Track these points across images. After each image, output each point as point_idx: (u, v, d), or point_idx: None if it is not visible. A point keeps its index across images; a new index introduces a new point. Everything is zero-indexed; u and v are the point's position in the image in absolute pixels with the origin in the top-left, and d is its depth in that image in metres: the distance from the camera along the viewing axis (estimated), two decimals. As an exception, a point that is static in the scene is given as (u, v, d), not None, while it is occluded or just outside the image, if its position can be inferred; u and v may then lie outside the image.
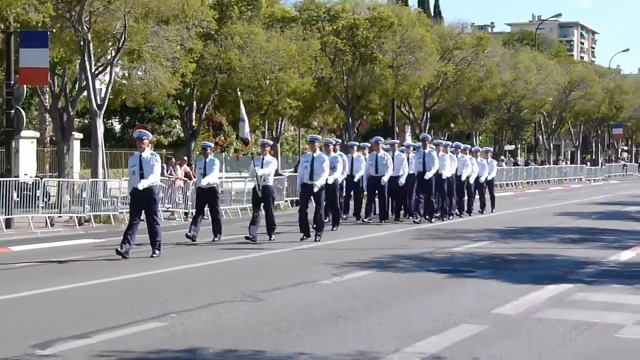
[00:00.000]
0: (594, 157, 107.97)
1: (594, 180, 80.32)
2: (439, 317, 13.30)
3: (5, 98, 31.65)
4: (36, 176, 36.48)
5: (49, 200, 31.79)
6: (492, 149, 40.93)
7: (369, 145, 32.59)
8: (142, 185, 20.17)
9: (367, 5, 59.46)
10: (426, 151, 30.07)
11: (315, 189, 24.02)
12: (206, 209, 25.54)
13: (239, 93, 33.27)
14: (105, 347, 11.18)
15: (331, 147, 27.82)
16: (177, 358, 10.71)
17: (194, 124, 52.25)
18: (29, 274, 18.36)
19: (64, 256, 21.20)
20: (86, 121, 50.96)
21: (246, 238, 23.69)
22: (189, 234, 23.99)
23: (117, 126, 65.91)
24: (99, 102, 37.50)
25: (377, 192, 30.83)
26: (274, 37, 50.17)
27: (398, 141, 35.64)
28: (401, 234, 26.64)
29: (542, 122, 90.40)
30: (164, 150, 60.24)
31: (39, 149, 48.53)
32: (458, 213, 33.02)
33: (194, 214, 26.40)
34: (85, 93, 39.09)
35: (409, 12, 64.40)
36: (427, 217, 30.34)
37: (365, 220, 30.84)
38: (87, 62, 36.36)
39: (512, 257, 21.20)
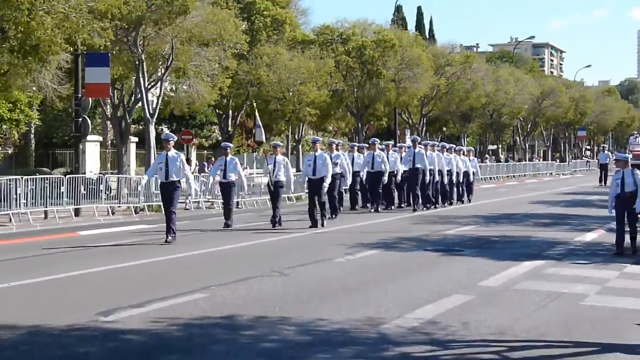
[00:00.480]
0: (562, 155, 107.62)
1: (563, 174, 79.99)
2: (434, 288, 13.29)
3: (74, 108, 31.71)
4: (99, 173, 36.61)
5: (110, 192, 31.83)
6: (473, 148, 40.30)
7: (367, 145, 31.98)
8: (194, 192, 22.82)
9: (373, 29, 59.47)
10: (416, 150, 29.53)
11: (325, 186, 23.46)
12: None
13: (254, 105, 33.11)
14: (157, 314, 11.20)
15: (334, 146, 27.78)
16: (217, 323, 10.72)
17: (229, 129, 52.38)
18: (94, 254, 18.37)
19: (122, 239, 21.22)
20: (140, 127, 50.98)
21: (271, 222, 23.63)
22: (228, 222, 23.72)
23: (166, 131, 65.93)
24: (151, 112, 37.56)
25: (373, 185, 29.90)
26: (296, 56, 50.30)
27: (392, 142, 35.23)
28: (402, 220, 26.56)
29: (519, 126, 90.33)
30: (205, 151, 60.29)
31: (101, 150, 48.69)
32: (441, 204, 31.99)
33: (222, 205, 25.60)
34: (139, 104, 39.13)
35: (408, 35, 64.34)
36: (414, 206, 29.65)
37: (365, 208, 30.30)
38: (141, 78, 36.46)
39: (494, 238, 21.15)
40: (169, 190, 20.12)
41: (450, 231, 23.05)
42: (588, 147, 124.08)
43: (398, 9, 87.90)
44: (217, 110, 53.45)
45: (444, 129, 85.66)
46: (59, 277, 14.77)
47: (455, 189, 33.58)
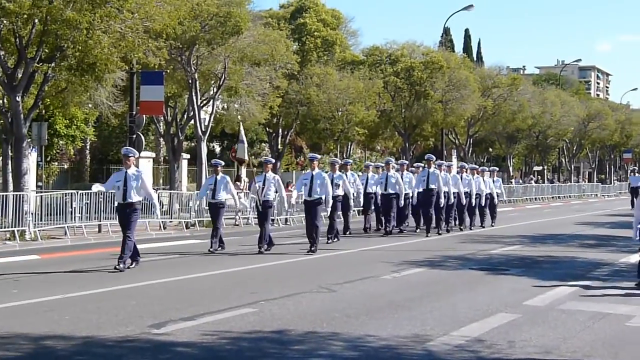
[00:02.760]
0: (607, 177, 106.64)
1: (608, 195, 79.24)
2: (479, 307, 13.19)
3: (129, 125, 31.97)
4: (152, 188, 36.80)
5: (162, 208, 32.03)
6: (497, 168, 38.51)
7: (383, 165, 30.12)
8: (158, 212, 20.64)
9: (421, 51, 59.49)
10: (430, 170, 27.39)
11: (327, 209, 22.77)
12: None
13: (239, 118, 31.83)
14: (208, 327, 11.22)
15: (336, 166, 26.16)
16: (267, 337, 10.72)
17: (279, 147, 52.65)
18: (146, 267, 18.47)
19: (173, 253, 21.34)
20: (193, 144, 51.29)
21: (259, 252, 21.17)
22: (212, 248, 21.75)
23: (218, 148, 66.32)
24: (203, 129, 37.82)
25: (387, 207, 27.85)
26: (345, 77, 50.46)
27: (407, 162, 32.84)
28: (446, 239, 26.42)
29: (564, 147, 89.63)
30: (255, 168, 60.52)
31: (154, 166, 49.07)
32: (460, 227, 29.98)
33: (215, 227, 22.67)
34: (192, 121, 39.40)
35: (455, 57, 64.27)
36: (426, 230, 27.49)
37: (378, 230, 28.35)
38: (194, 97, 36.74)
39: (540, 258, 20.95)
40: (125, 213, 17.79)
41: (495, 250, 22.89)
42: (636, 169, 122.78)
43: (446, 31, 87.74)
44: (267, 129, 53.80)
45: (490, 149, 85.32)
46: (112, 290, 14.88)
47: (477, 212, 31.27)
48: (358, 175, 30.71)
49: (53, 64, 26.46)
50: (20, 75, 26.54)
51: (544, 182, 78.46)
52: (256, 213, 22.53)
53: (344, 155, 58.82)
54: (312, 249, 21.39)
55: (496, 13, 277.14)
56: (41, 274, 17.17)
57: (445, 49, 67.81)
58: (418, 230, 28.59)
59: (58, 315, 12.19)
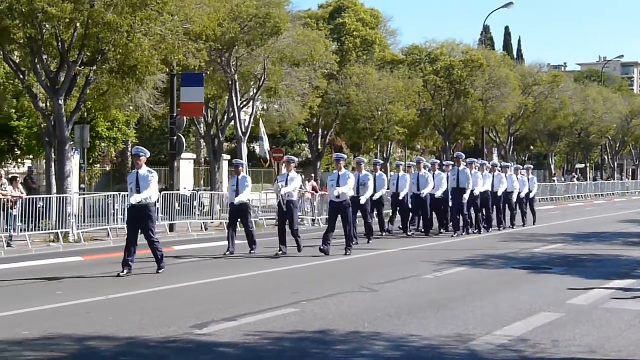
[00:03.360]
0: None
1: (652, 193, 78.51)
2: (522, 306, 13.11)
3: (169, 127, 32.18)
4: (193, 189, 37.01)
5: (203, 209, 32.22)
6: (532, 166, 37.27)
7: (414, 164, 29.03)
8: (134, 199, 17.12)
9: (461, 49, 59.31)
10: (460, 169, 26.59)
11: (362, 201, 22.32)
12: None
13: (260, 122, 30.68)
14: (250, 328, 11.25)
15: (362, 165, 24.67)
16: (309, 337, 10.73)
17: (319, 147, 52.75)
18: (188, 269, 18.59)
19: (215, 254, 21.41)
20: (233, 145, 51.47)
21: (275, 255, 20.74)
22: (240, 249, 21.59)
23: (258, 149, 66.48)
24: (243, 130, 37.94)
25: (419, 207, 27.31)
26: (385, 76, 50.46)
27: (438, 161, 32.08)
28: (487, 238, 26.30)
29: (607, 144, 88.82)
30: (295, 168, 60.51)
31: (195, 167, 49.29)
32: (490, 227, 28.60)
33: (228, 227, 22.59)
34: (232, 122, 39.55)
35: (495, 55, 64.11)
36: (456, 230, 26.71)
37: (408, 234, 26.96)
38: (234, 98, 36.89)
39: (583, 257, 20.79)
40: (136, 215, 17.29)
41: (537, 249, 22.77)
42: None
43: (486, 29, 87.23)
44: (307, 129, 53.91)
45: (532, 147, 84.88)
46: (154, 290, 14.99)
47: (510, 211, 30.32)
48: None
49: (94, 67, 26.68)
50: (62, 79, 26.79)
51: (585, 180, 77.84)
52: (277, 213, 21.96)
53: (384, 155, 58.81)
54: (347, 252, 20.87)
55: (536, 10, 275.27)
56: (84, 275, 17.31)
57: (485, 47, 67.48)
58: (443, 231, 27.63)
59: (101, 316, 12.28)
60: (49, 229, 24.94)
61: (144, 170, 17.30)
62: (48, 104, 28.62)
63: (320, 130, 52.90)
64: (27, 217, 24.14)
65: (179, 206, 29.36)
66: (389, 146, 60.61)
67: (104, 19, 24.82)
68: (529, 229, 29.68)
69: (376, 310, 12.64)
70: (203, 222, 30.25)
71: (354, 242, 22.39)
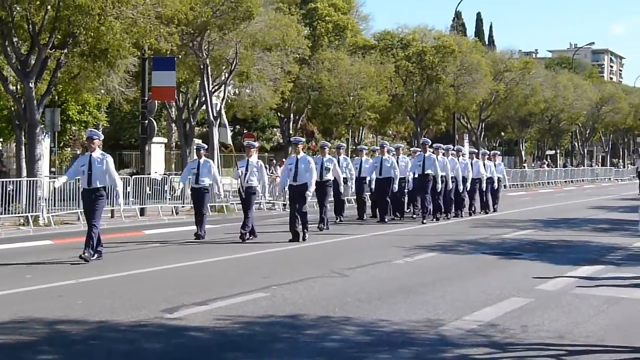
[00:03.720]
0: (620, 161, 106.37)
1: (621, 180, 79.00)
2: (492, 291, 13.19)
3: (141, 111, 32.07)
4: (164, 174, 36.90)
5: (174, 193, 32.12)
6: (498, 152, 36.96)
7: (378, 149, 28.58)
8: (120, 205, 18.07)
9: (433, 35, 59.48)
10: (426, 155, 25.81)
11: (309, 194, 20.47)
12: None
13: (222, 110, 30.02)
14: (221, 312, 11.26)
15: (326, 149, 24.56)
16: (280, 322, 10.75)
17: (291, 132, 52.69)
18: (158, 253, 18.55)
19: (185, 238, 21.36)
20: (204, 130, 51.40)
21: (241, 239, 20.31)
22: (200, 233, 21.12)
23: (230, 133, 66.38)
24: (214, 114, 37.81)
25: (381, 193, 26.73)
26: (357, 61, 50.50)
27: (402, 145, 32.06)
28: (458, 223, 26.40)
29: (577, 131, 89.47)
30: (266, 153, 60.57)
31: (166, 152, 49.12)
32: (457, 214, 28.42)
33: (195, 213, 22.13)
34: (203, 107, 39.45)
35: (467, 41, 64.30)
36: (424, 217, 26.09)
37: (375, 217, 27.14)
38: (205, 82, 36.77)
39: (553, 243, 20.91)
40: (90, 199, 16.58)
41: (508, 235, 22.88)
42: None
43: (458, 15, 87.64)
44: (279, 114, 53.90)
45: (502, 133, 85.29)
46: (124, 275, 14.94)
47: (477, 197, 29.94)
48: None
49: (65, 50, 26.51)
50: (33, 62, 26.62)
51: (556, 167, 78.27)
52: (239, 199, 21.74)
53: (355, 140, 58.86)
54: (304, 237, 20.39)
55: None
56: (54, 259, 17.24)
57: (457, 33, 67.80)
58: (415, 216, 27.50)
59: (71, 300, 12.24)
60: (19, 213, 24.80)
61: (97, 153, 16.66)
62: (18, 86, 28.40)
63: (292, 115, 52.90)
64: (-4, 200, 24.01)
65: (150, 190, 29.27)
66: (361, 132, 60.76)
67: (76, 2, 24.64)
68: (499, 215, 29.82)
69: (347, 295, 12.67)
70: (174, 207, 30.19)
71: (325, 227, 22.99)
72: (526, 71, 68.35)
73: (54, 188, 22.80)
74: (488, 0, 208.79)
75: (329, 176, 23.85)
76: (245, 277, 14.65)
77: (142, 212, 28.75)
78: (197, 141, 43.53)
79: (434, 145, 27.39)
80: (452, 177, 27.16)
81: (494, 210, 30.90)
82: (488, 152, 33.19)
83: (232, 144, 31.57)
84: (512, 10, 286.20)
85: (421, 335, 10.14)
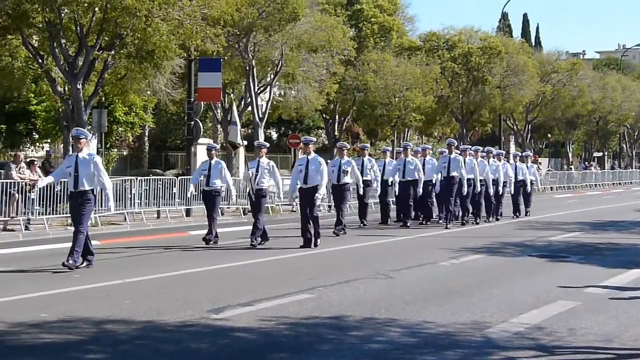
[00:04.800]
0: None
1: (671, 182, 78.07)
2: (539, 294, 13.08)
3: (187, 112, 32.20)
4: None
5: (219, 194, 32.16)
6: (530, 153, 34.65)
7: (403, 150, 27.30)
8: (111, 208, 16.59)
9: (479, 36, 59.18)
10: (452, 156, 24.47)
11: (319, 197, 19.24)
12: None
13: (233, 106, 28.64)
14: (266, 313, 11.27)
15: (345, 151, 23.45)
16: (325, 323, 10.74)
17: (336, 133, 52.69)
18: (204, 253, 18.59)
19: (228, 240, 21.40)
20: (250, 131, 51.51)
21: (251, 245, 19.20)
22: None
23: (275, 135, 66.49)
24: (260, 116, 37.97)
25: (403, 196, 25.60)
26: (402, 63, 50.42)
27: (430, 146, 30.74)
28: (504, 225, 26.21)
29: (625, 133, 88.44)
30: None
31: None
32: (486, 219, 26.92)
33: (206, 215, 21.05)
34: (249, 108, 39.58)
35: (514, 42, 63.87)
36: (447, 222, 24.74)
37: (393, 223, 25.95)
38: (251, 83, 36.93)
39: (601, 246, 20.70)
40: (77, 203, 15.53)
41: (555, 237, 22.70)
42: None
43: (504, 16, 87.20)
44: (324, 115, 53.87)
45: (549, 135, 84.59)
46: (171, 275, 15.03)
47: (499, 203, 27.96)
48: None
49: (113, 52, 26.78)
50: (80, 63, 26.91)
51: (603, 169, 77.50)
52: (249, 203, 20.74)
53: (401, 142, 58.72)
54: (313, 240, 19.19)
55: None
56: (102, 259, 17.37)
57: (503, 34, 67.35)
58: (441, 221, 25.65)
59: (118, 299, 12.33)
60: (66, 213, 25.02)
61: (84, 153, 15.54)
62: (66, 88, 28.70)
63: (337, 117, 52.88)
64: (45, 200, 24.26)
65: (195, 191, 29.36)
66: (406, 133, 60.52)
67: (123, 3, 24.86)
68: (546, 218, 29.60)
69: (392, 297, 12.64)
70: (220, 208, 30.24)
71: (342, 232, 22.22)
72: (573, 72, 67.79)
73: (38, 188, 21.97)
74: (535, 1, 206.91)
75: (347, 179, 22.69)
76: (290, 279, 14.67)
77: (187, 212, 28.86)
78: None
79: (460, 147, 26.93)
80: (481, 180, 25.80)
81: (526, 214, 29.60)
82: (519, 154, 31.94)
83: (241, 143, 30.41)
84: (559, 11, 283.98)
85: (467, 338, 10.08)
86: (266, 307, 11.70)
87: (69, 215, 24.70)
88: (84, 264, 15.52)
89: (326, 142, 58.06)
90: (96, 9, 25.50)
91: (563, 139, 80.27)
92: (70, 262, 15.06)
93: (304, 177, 19.18)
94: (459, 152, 25.22)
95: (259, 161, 19.68)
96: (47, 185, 24.21)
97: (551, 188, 55.89)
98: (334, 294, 12.86)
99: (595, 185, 63.54)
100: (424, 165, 26.01)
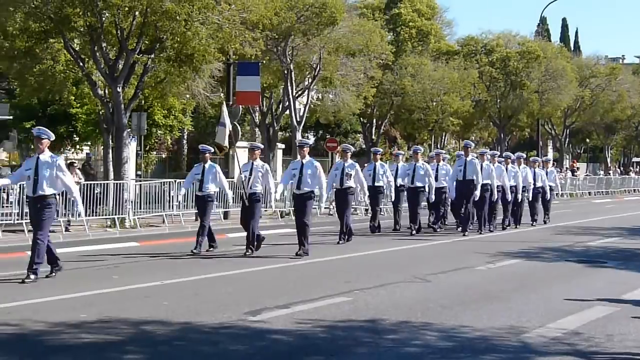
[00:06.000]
0: None
1: None
2: (576, 299, 12.98)
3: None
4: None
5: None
6: (551, 158, 31.90)
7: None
8: (80, 213, 16.05)
9: (517, 41, 58.96)
10: (468, 159, 23.37)
11: (323, 206, 18.59)
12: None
13: (223, 106, 28.48)
14: (302, 315, 11.28)
15: (349, 154, 22.31)
16: (361, 327, 10.73)
17: (373, 137, 52.69)
18: (241, 257, 18.59)
19: (270, 242, 21.39)
20: (287, 134, 51.64)
21: (244, 255, 18.15)
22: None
23: (312, 138, 66.59)
24: (298, 119, 38.07)
25: (411, 203, 24.35)
26: (440, 67, 50.37)
27: (443, 151, 29.51)
28: (541, 230, 26.03)
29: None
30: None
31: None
32: (503, 225, 25.75)
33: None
34: (287, 112, 39.66)
35: (552, 47, 63.60)
36: (464, 229, 23.58)
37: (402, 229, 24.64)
38: (289, 87, 37.03)
39: (639, 251, 20.51)
40: (36, 208, 14.23)
41: (593, 242, 22.54)
42: None
43: (543, 20, 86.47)
44: (362, 119, 53.93)
45: (587, 140, 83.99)
46: (208, 277, 15.08)
47: (522, 208, 26.90)
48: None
49: (152, 55, 27.01)
50: (121, 67, 27.11)
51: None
52: (240, 207, 19.16)
53: (438, 146, 58.59)
54: (302, 251, 17.97)
55: (595, 1, 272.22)
56: (140, 260, 17.48)
57: (542, 39, 66.94)
58: (459, 229, 24.35)
59: (156, 301, 12.40)
60: (106, 215, 25.22)
61: (46, 156, 14.20)
62: (107, 91, 28.91)
63: (374, 121, 52.93)
64: (84, 202, 24.41)
65: (233, 194, 29.46)
66: (444, 137, 60.42)
67: (163, 8, 25.06)
68: (584, 223, 29.38)
69: (429, 301, 12.61)
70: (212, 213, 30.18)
71: (347, 240, 20.98)
72: (612, 77, 67.32)
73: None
74: (574, 5, 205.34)
75: (350, 183, 21.48)
76: (326, 282, 14.64)
77: (225, 215, 28.94)
78: (280, 145, 43.75)
79: (479, 150, 26.00)
80: (498, 186, 24.48)
81: (544, 222, 28.04)
82: (538, 159, 29.74)
83: (227, 146, 29.40)
84: (599, 16, 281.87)
85: (504, 342, 10.03)
86: (303, 310, 11.70)
87: (109, 217, 25.02)
88: (53, 273, 14.36)
89: (363, 146, 58.02)
90: (136, 13, 25.69)
91: (602, 143, 79.74)
92: (32, 277, 13.81)
93: (297, 183, 18.08)
94: (475, 155, 24.20)
95: (252, 163, 18.43)
96: (87, 188, 24.48)
97: (589, 193, 55.47)
98: (370, 297, 12.85)
99: (634, 190, 62.95)
100: (437, 171, 24.89)
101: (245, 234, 18.56)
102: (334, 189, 21.75)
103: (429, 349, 9.67)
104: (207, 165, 19.01)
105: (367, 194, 22.80)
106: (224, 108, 28.09)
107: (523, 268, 17.04)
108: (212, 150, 20.82)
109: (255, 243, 18.28)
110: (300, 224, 18.13)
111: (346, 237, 21.04)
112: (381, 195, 24.73)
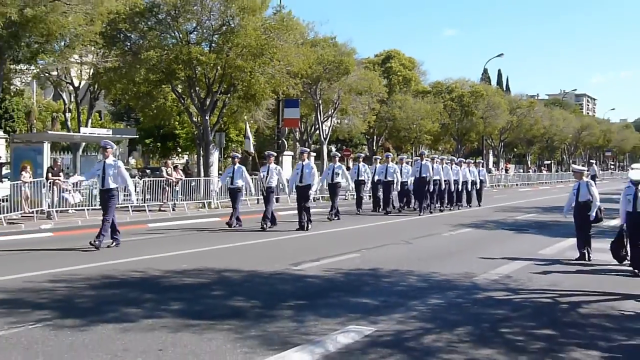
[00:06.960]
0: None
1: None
2: (509, 254, 12.86)
3: (276, 134, 32.27)
4: (287, 179, 36.88)
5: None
6: (482, 161, 31.13)
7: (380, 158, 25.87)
8: (132, 201, 15.69)
9: (469, 84, 58.50)
10: (423, 162, 22.50)
11: (312, 193, 17.63)
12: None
13: (246, 120, 26.63)
14: (328, 266, 11.22)
15: (337, 158, 21.64)
16: (367, 273, 10.66)
17: (374, 148, 52.36)
18: (283, 226, 18.38)
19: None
20: (317, 146, 51.54)
21: (261, 229, 17.13)
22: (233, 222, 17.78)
23: (334, 149, 66.30)
24: (324, 137, 37.87)
25: (385, 192, 23.46)
26: (418, 102, 50.12)
27: (406, 156, 28.63)
28: (485, 209, 25.71)
29: (565, 148, 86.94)
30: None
31: (292, 161, 49.24)
32: (449, 207, 24.60)
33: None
34: (317, 131, 39.52)
35: (491, 89, 63.08)
36: (420, 210, 22.58)
37: (381, 210, 23.41)
38: (318, 115, 36.84)
39: (549, 222, 20.20)
40: (104, 198, 13.55)
41: (519, 217, 22.30)
42: (612, 163, 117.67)
43: (485, 71, 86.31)
44: (366, 136, 53.62)
45: (515, 149, 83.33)
46: (263, 241, 15.03)
47: (465, 194, 25.98)
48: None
49: (228, 95, 26.98)
50: (208, 103, 27.15)
51: (550, 172, 76.01)
52: (262, 196, 18.79)
53: (417, 153, 58.20)
54: (305, 225, 17.06)
55: (520, 59, 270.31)
56: (220, 229, 17.46)
57: (485, 83, 66.37)
58: (415, 210, 23.39)
59: (230, 256, 12.38)
60: (199, 199, 25.23)
61: (110, 160, 13.54)
62: (199, 119, 28.95)
63: (375, 137, 52.67)
64: (185, 191, 24.50)
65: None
66: (420, 148, 59.99)
67: (235, 64, 25.08)
68: (514, 204, 29.08)
69: (411, 256, 12.51)
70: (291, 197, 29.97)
71: (335, 218, 19.95)
72: (531, 108, 66.81)
73: (72, 183, 19.15)
74: (507, 60, 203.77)
75: (339, 179, 20.90)
76: (343, 244, 14.56)
77: (275, 200, 28.67)
78: (312, 154, 43.59)
79: (430, 156, 25.39)
80: (445, 180, 23.82)
81: (478, 205, 26.50)
82: (472, 160, 28.46)
83: (254, 152, 27.95)
84: (522, 68, 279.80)
85: (461, 283, 9.95)
86: (327, 262, 11.64)
87: (200, 201, 24.96)
88: (113, 243, 13.47)
89: (367, 154, 57.84)
90: (218, 67, 25.74)
91: (524, 151, 78.99)
92: (97, 242, 13.06)
93: (300, 178, 17.29)
94: (429, 159, 23.46)
95: (269, 166, 17.80)
96: (187, 183, 24.49)
97: (517, 185, 54.93)
98: (372, 254, 12.77)
99: (545, 182, 62.29)
100: (401, 170, 24.09)
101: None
102: (327, 183, 21.34)
103: (411, 287, 9.60)
104: (236, 167, 18.13)
105: (352, 185, 22.93)
106: (247, 125, 27.43)
107: (473, 234, 16.88)
108: (240, 156, 19.83)
109: (272, 220, 17.49)
110: (304, 208, 17.13)
111: (335, 216, 20.08)
112: (363, 186, 24.31)
